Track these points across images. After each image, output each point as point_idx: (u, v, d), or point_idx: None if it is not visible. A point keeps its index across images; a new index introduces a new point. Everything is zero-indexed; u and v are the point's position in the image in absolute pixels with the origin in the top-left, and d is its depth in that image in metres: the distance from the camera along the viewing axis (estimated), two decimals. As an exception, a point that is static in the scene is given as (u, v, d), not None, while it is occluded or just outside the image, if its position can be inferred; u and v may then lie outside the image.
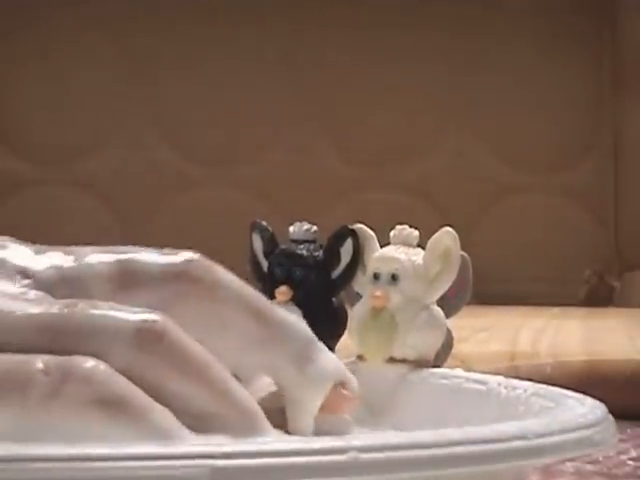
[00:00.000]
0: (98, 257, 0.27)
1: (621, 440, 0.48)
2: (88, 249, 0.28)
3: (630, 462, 0.43)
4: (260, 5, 1.18)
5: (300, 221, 0.44)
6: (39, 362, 0.23)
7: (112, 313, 0.25)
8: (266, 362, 0.28)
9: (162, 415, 0.24)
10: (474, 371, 0.36)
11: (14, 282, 0.26)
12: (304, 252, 0.44)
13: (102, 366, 0.24)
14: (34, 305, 0.25)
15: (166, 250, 0.28)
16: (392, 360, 0.38)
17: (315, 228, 0.46)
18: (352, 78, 1.19)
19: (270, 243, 0.43)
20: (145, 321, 0.25)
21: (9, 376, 0.23)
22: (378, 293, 0.42)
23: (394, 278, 0.43)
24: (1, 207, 1.12)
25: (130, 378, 0.24)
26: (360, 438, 0.22)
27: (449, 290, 0.48)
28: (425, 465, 0.22)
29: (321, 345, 0.29)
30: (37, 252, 0.27)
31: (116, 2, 1.16)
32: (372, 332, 0.39)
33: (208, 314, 0.28)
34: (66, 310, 0.25)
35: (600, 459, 0.44)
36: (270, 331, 0.28)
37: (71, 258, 0.27)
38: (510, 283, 1.14)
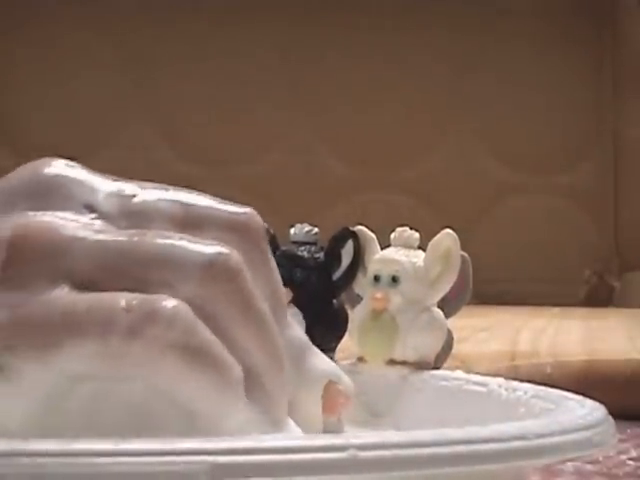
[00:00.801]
0: (162, 195, 0.27)
1: (621, 440, 0.48)
2: (151, 185, 0.27)
3: (630, 462, 0.43)
4: (260, 6, 1.18)
5: (300, 222, 0.44)
6: (122, 300, 0.23)
7: (184, 243, 0.25)
8: None
9: (238, 374, 0.24)
10: (474, 371, 0.36)
11: (82, 215, 0.26)
12: (305, 254, 0.44)
13: (184, 310, 0.23)
14: (103, 234, 0.25)
15: (229, 203, 0.28)
16: (392, 362, 0.38)
17: (316, 230, 0.46)
18: (352, 79, 1.19)
19: (271, 244, 0.43)
20: (219, 254, 0.25)
21: (92, 312, 0.23)
22: (379, 295, 0.42)
23: (394, 280, 0.43)
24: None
25: (193, 310, 0.24)
26: (359, 436, 0.22)
27: (449, 290, 0.48)
28: (424, 464, 0.22)
29: (314, 348, 0.29)
30: (102, 184, 0.27)
31: (117, 3, 1.16)
32: (373, 334, 0.39)
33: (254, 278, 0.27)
34: (136, 238, 0.25)
35: (600, 459, 0.44)
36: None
37: (136, 192, 0.27)
38: (510, 283, 1.14)
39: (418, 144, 1.19)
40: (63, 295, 0.24)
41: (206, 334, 0.24)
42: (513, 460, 0.23)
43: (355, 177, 1.18)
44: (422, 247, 0.51)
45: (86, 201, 0.26)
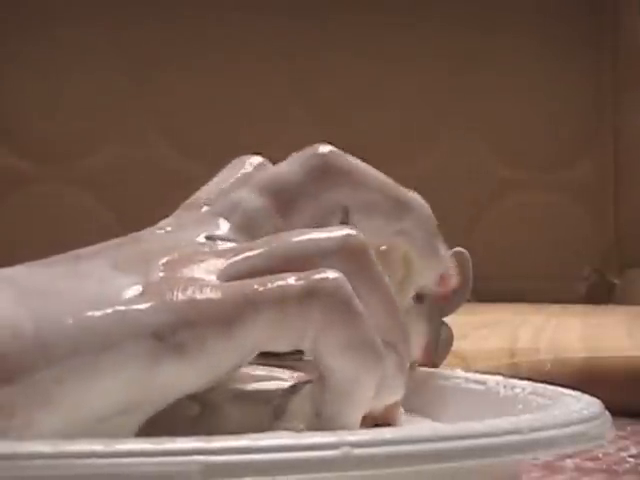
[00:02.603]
0: (250, 192, 0.31)
1: (621, 437, 0.48)
2: (233, 194, 0.31)
3: (630, 459, 0.43)
4: (261, 4, 1.18)
5: None
6: (291, 276, 0.26)
7: (314, 235, 0.27)
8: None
9: (388, 361, 0.26)
10: (474, 368, 0.36)
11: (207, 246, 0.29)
12: None
13: (343, 278, 0.26)
14: (247, 247, 0.27)
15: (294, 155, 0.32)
16: None
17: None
18: (352, 77, 1.19)
19: None
20: (349, 234, 0.27)
21: (267, 286, 0.25)
22: None
23: None
24: (1, 205, 1.12)
25: None
26: (353, 433, 0.22)
27: (449, 288, 0.48)
28: (418, 460, 0.22)
29: None
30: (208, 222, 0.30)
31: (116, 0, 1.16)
32: None
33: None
34: (273, 245, 0.27)
35: (600, 456, 0.44)
36: None
37: (232, 210, 0.30)
38: (510, 280, 1.14)
39: (417, 141, 1.19)
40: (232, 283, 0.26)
41: (360, 304, 0.26)
42: (507, 454, 0.23)
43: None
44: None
45: (226, 249, 0.28)
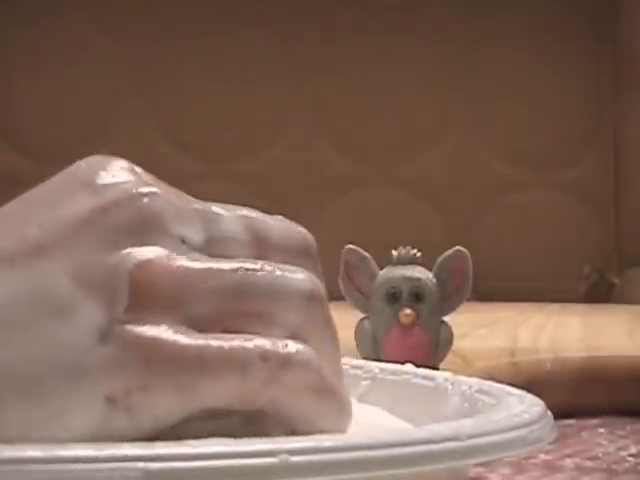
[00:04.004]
0: (233, 220, 0.28)
1: (621, 436, 0.48)
2: (221, 212, 0.29)
3: (630, 458, 0.43)
4: (261, 2, 1.18)
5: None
6: (255, 346, 0.25)
7: (283, 274, 0.26)
8: None
9: (348, 400, 0.27)
10: (474, 367, 0.36)
11: (180, 249, 0.27)
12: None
13: (312, 353, 0.25)
14: (213, 273, 0.26)
15: (283, 220, 0.30)
16: None
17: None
18: (352, 75, 1.19)
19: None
20: (314, 283, 0.27)
21: (228, 356, 0.25)
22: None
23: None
24: (1, 204, 1.12)
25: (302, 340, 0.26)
26: (290, 440, 0.22)
27: (449, 286, 0.48)
28: (357, 467, 0.22)
29: None
30: (185, 212, 0.28)
31: (116, -2, 1.16)
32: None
33: None
34: (240, 273, 0.26)
35: (600, 455, 0.44)
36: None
37: (212, 218, 0.28)
38: (510, 279, 1.14)
39: (419, 140, 1.19)
40: (191, 337, 0.25)
41: (331, 374, 0.26)
42: (445, 461, 0.24)
43: (355, 173, 1.18)
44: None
45: (180, 234, 0.27)
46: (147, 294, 0.25)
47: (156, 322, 0.25)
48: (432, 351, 0.48)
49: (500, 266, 1.13)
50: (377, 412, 0.33)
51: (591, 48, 1.21)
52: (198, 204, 0.29)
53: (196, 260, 0.26)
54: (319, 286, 0.27)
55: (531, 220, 1.19)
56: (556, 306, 0.88)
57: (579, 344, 0.60)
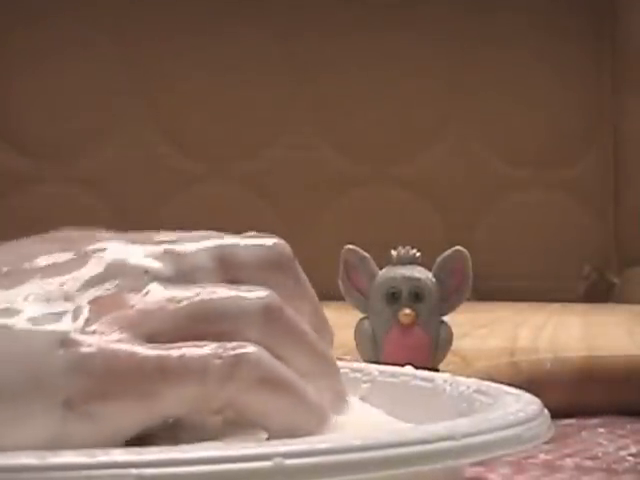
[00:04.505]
0: (199, 247, 0.30)
1: (621, 436, 0.48)
2: (187, 237, 0.31)
3: (630, 458, 0.43)
4: (261, 3, 1.18)
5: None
6: (210, 349, 0.26)
7: (238, 294, 0.28)
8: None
9: (313, 393, 0.28)
10: (474, 367, 0.36)
11: (144, 282, 0.28)
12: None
13: (265, 353, 0.27)
14: (172, 300, 0.27)
15: (251, 235, 0.31)
16: None
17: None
18: (352, 74, 1.19)
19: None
20: (269, 298, 0.28)
21: (186, 361, 0.26)
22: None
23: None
24: (1, 204, 1.12)
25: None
26: (285, 444, 0.22)
27: (449, 286, 0.49)
28: (352, 469, 0.22)
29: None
30: (147, 248, 0.30)
31: (115, -2, 1.16)
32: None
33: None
34: (201, 297, 0.28)
35: (600, 455, 0.44)
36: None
37: (177, 251, 0.30)
38: (509, 279, 1.14)
39: (418, 139, 1.19)
40: (150, 347, 0.26)
41: (285, 368, 0.27)
42: (441, 461, 0.24)
43: (355, 172, 1.18)
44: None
45: (142, 267, 0.29)
46: (108, 310, 0.27)
47: (116, 335, 0.26)
48: (432, 351, 0.48)
49: (500, 266, 1.13)
50: (377, 414, 0.33)
51: (591, 47, 1.21)
52: (167, 242, 0.30)
53: (158, 288, 0.28)
54: (276, 301, 0.28)
55: (531, 220, 1.19)
56: (556, 306, 0.88)
57: (579, 344, 0.60)
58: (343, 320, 0.51)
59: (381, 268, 0.49)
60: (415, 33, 1.19)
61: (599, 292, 1.15)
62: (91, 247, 0.31)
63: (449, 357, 0.49)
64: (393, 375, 0.36)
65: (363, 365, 0.38)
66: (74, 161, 1.14)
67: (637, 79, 1.17)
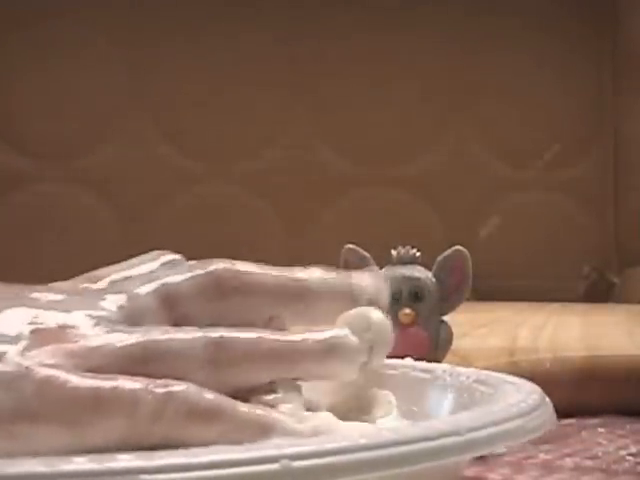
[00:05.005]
0: (143, 289, 0.31)
1: (620, 435, 0.48)
2: (133, 286, 0.31)
3: (630, 457, 0.43)
4: (261, 3, 1.18)
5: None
6: (139, 382, 0.26)
7: (178, 336, 0.28)
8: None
9: (249, 408, 0.28)
10: (474, 367, 0.36)
11: (87, 323, 0.29)
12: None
13: (193, 386, 0.27)
14: (116, 339, 0.28)
15: (193, 264, 0.32)
16: None
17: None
18: (352, 76, 1.19)
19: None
20: (211, 338, 0.28)
21: (119, 393, 0.26)
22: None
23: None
24: (1, 203, 1.12)
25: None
26: (292, 445, 0.22)
27: (449, 286, 0.49)
28: (359, 469, 0.22)
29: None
30: (84, 294, 0.30)
31: (116, -2, 1.16)
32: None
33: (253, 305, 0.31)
34: (145, 338, 0.28)
35: (600, 454, 0.44)
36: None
37: (123, 297, 0.30)
38: (509, 279, 1.14)
39: (418, 140, 1.19)
40: (85, 377, 0.26)
41: (211, 395, 0.27)
42: (447, 456, 0.24)
43: (355, 173, 1.18)
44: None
45: (86, 312, 0.29)
46: (49, 342, 0.27)
47: (53, 362, 0.26)
48: (432, 351, 0.48)
49: (500, 266, 1.13)
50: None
51: (591, 49, 1.21)
52: (112, 285, 0.31)
53: (102, 329, 0.28)
54: (216, 338, 0.28)
55: (531, 220, 1.19)
56: (556, 306, 0.88)
57: (579, 344, 0.60)
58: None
59: (381, 268, 0.49)
60: (415, 35, 1.19)
61: (599, 292, 1.15)
62: (35, 294, 0.30)
63: (449, 357, 0.49)
64: (393, 367, 0.36)
65: None
66: (74, 161, 1.14)
67: (637, 81, 1.17)
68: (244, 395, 0.29)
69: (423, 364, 0.36)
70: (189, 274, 0.31)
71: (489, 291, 0.96)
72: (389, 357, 0.39)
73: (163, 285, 0.31)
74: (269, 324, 0.32)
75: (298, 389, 0.30)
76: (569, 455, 0.43)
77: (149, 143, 1.15)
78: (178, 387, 0.27)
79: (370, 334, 0.30)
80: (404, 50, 1.19)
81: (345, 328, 0.30)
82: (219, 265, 0.32)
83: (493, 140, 1.20)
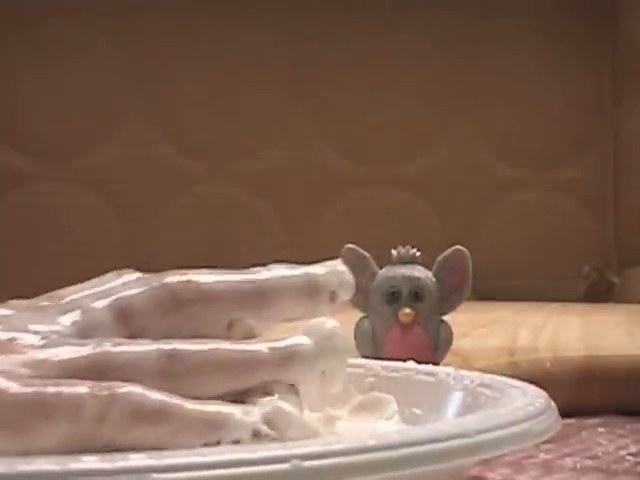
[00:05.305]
0: (99, 308, 0.31)
1: (620, 435, 0.48)
2: (86, 302, 0.31)
3: (629, 457, 0.43)
4: (261, 3, 1.18)
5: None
6: (84, 386, 0.27)
7: (134, 348, 0.29)
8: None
9: (196, 403, 0.27)
10: (474, 367, 0.36)
11: (40, 336, 0.29)
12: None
13: (138, 387, 0.27)
14: (66, 351, 0.28)
15: (148, 277, 0.32)
16: None
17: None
18: (352, 75, 1.19)
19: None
20: (161, 350, 0.29)
21: (63, 398, 0.26)
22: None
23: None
24: (1, 203, 1.12)
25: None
26: (302, 445, 0.22)
27: (449, 286, 0.49)
28: (369, 469, 0.22)
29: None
30: (35, 316, 0.31)
31: (116, -2, 1.16)
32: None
33: (211, 315, 0.31)
34: (97, 350, 0.28)
35: (600, 454, 0.44)
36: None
37: (77, 313, 0.31)
38: (509, 279, 1.14)
39: (418, 140, 1.19)
40: (28, 383, 0.27)
41: (159, 394, 0.27)
42: (455, 458, 0.24)
43: (355, 173, 1.18)
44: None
45: (40, 327, 0.30)
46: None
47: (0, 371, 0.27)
48: (432, 351, 0.48)
49: (500, 265, 1.13)
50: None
51: (591, 48, 1.21)
52: (70, 302, 0.31)
53: (54, 342, 0.29)
54: (168, 350, 0.29)
55: (531, 220, 1.19)
56: (556, 305, 0.88)
57: (579, 343, 0.60)
58: (343, 319, 0.51)
59: (381, 268, 0.49)
60: (415, 36, 1.19)
61: (599, 292, 1.15)
62: None
63: (449, 357, 0.49)
64: (396, 370, 0.36)
65: (364, 361, 0.38)
66: (74, 161, 1.14)
67: (637, 81, 1.17)
68: (238, 398, 0.29)
69: (426, 367, 0.36)
70: (143, 288, 0.31)
71: (489, 291, 0.96)
72: (392, 359, 0.39)
73: (117, 300, 0.31)
74: (231, 329, 0.32)
75: (294, 391, 0.30)
76: (569, 455, 0.43)
77: (149, 143, 1.15)
78: (122, 389, 0.27)
79: (327, 342, 0.30)
80: (404, 51, 1.19)
81: (303, 336, 0.30)
82: (173, 277, 0.32)
83: (493, 140, 1.20)
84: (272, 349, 0.30)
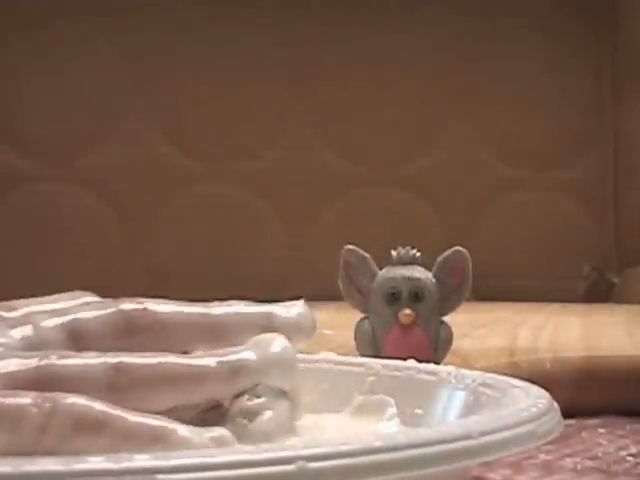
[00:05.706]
0: (51, 326, 0.31)
1: (620, 436, 0.48)
2: (41, 319, 0.31)
3: (630, 458, 0.43)
4: (261, 3, 1.18)
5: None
6: (28, 397, 0.26)
7: (80, 361, 0.29)
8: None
9: (140, 416, 0.27)
10: (474, 367, 0.36)
11: None
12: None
13: (82, 398, 0.27)
14: (12, 363, 0.28)
15: (105, 302, 0.32)
16: None
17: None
18: (352, 75, 1.19)
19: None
20: (111, 363, 0.29)
21: (4, 409, 0.26)
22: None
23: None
24: (1, 203, 1.12)
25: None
26: (307, 446, 0.22)
27: (449, 286, 0.49)
28: (375, 471, 0.22)
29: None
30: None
31: (116, -2, 1.16)
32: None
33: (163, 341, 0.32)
34: (43, 362, 0.28)
35: (600, 455, 0.44)
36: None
37: (29, 327, 0.31)
38: (509, 279, 1.14)
39: (418, 140, 1.19)
40: None
41: (101, 405, 0.27)
42: (460, 460, 0.24)
43: (355, 173, 1.18)
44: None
45: None
46: None
47: None
48: (432, 351, 0.48)
49: (500, 265, 1.13)
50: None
51: (591, 48, 1.21)
52: (23, 316, 0.31)
53: (2, 355, 0.29)
54: (117, 363, 0.29)
55: (531, 220, 1.19)
56: (556, 306, 0.88)
57: (579, 344, 0.60)
58: (343, 320, 0.51)
59: (381, 268, 0.49)
60: (415, 36, 1.19)
61: (599, 292, 1.15)
62: None
63: (449, 357, 0.49)
64: (397, 369, 0.36)
65: (365, 360, 0.38)
66: (74, 161, 1.14)
67: (637, 81, 1.17)
68: (219, 403, 0.29)
69: (427, 366, 0.35)
70: (98, 312, 0.32)
71: (489, 291, 0.96)
72: (393, 358, 0.39)
73: (71, 320, 0.31)
74: None
75: (283, 394, 0.30)
76: (569, 455, 0.43)
77: (149, 143, 1.15)
78: (66, 400, 0.26)
79: (273, 357, 0.30)
80: (404, 51, 1.19)
81: (249, 350, 0.30)
82: (130, 304, 0.32)
83: (493, 140, 1.20)
84: (220, 363, 0.30)
